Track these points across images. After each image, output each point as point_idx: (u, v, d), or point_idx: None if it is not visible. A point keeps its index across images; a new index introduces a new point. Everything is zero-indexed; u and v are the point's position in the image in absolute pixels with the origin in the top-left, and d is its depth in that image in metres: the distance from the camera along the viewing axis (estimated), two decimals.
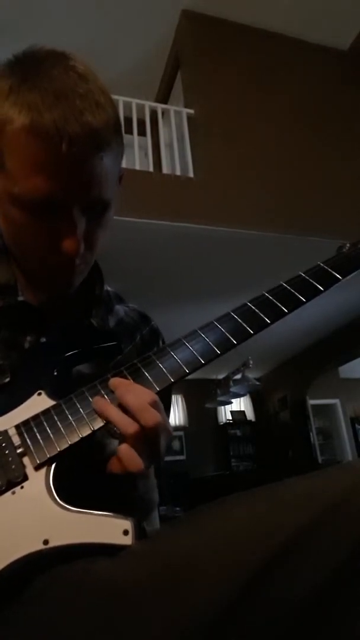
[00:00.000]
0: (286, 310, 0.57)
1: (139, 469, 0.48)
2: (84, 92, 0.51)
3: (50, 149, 0.50)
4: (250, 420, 8.04)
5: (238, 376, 5.99)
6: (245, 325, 0.55)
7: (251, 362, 5.56)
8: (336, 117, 4.48)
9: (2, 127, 0.51)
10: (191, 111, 4.02)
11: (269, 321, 0.56)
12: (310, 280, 0.59)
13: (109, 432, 0.52)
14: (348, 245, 0.66)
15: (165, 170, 3.90)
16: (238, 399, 7.22)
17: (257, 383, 6.36)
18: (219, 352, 0.54)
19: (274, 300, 0.57)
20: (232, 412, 7.88)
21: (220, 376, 6.68)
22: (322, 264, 0.62)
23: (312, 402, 7.14)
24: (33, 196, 0.52)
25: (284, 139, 4.14)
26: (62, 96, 0.50)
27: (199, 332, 0.56)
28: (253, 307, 0.57)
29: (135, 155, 3.61)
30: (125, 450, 0.48)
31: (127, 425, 0.48)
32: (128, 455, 0.48)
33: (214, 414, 7.79)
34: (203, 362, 0.53)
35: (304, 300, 0.58)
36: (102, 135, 0.52)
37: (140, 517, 0.68)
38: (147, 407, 0.49)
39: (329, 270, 0.61)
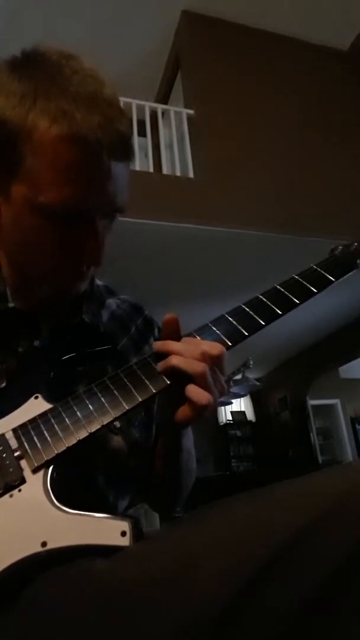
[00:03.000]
0: (280, 312, 0.57)
1: (210, 401, 0.49)
2: (108, 98, 0.52)
3: (89, 159, 0.50)
4: (250, 421, 8.05)
5: (238, 376, 5.98)
6: (239, 327, 0.56)
7: (251, 362, 5.55)
8: (336, 117, 4.49)
9: (28, 133, 0.50)
10: (191, 111, 4.03)
11: (263, 323, 0.56)
12: (304, 283, 0.60)
13: (109, 428, 0.52)
14: (340, 247, 0.67)
15: (165, 170, 3.90)
16: (238, 399, 7.22)
17: (257, 383, 6.35)
18: (230, 344, 0.54)
19: (268, 303, 0.58)
20: (232, 412, 7.89)
21: None
22: (315, 266, 0.62)
23: (312, 402, 7.14)
24: (62, 205, 0.51)
25: (284, 139, 4.15)
26: (93, 103, 0.50)
27: (195, 334, 0.56)
28: (247, 309, 0.57)
29: (136, 156, 3.59)
30: (193, 389, 0.50)
31: (194, 363, 0.50)
32: (196, 392, 0.49)
33: (214, 414, 7.79)
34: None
35: (297, 302, 0.58)
36: (130, 143, 0.54)
37: (185, 487, 0.71)
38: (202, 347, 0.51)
39: (322, 272, 0.61)
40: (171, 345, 0.52)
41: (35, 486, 0.47)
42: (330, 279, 0.61)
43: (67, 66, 0.52)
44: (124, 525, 0.44)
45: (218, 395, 0.52)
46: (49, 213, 0.52)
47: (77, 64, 0.53)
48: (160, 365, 0.52)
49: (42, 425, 0.51)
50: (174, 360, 0.51)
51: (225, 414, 7.86)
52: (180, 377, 0.51)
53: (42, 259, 0.57)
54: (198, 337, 0.55)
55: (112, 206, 0.56)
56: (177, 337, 0.54)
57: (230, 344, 0.54)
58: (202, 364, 0.50)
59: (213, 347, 0.52)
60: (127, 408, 0.51)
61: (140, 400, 0.51)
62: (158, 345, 0.54)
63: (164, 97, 5.08)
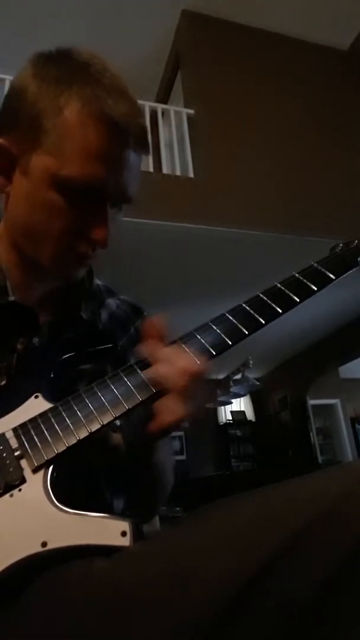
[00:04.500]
0: (280, 311, 0.57)
1: (184, 416, 0.50)
2: (132, 97, 0.56)
3: (117, 142, 0.54)
4: (250, 420, 8.04)
5: (238, 376, 5.98)
6: (240, 326, 0.56)
7: (251, 362, 5.55)
8: (336, 117, 4.49)
9: (58, 110, 0.53)
10: (191, 111, 4.03)
11: (263, 322, 0.56)
12: (304, 281, 0.60)
13: (109, 426, 0.52)
14: (341, 245, 0.66)
15: (165, 170, 3.90)
16: (238, 399, 7.21)
17: (257, 383, 6.35)
18: (214, 353, 0.54)
19: (268, 301, 0.58)
20: (232, 412, 7.88)
21: (220, 376, 6.67)
22: (315, 264, 0.62)
23: (312, 402, 7.14)
24: (84, 181, 0.53)
25: (284, 139, 4.15)
26: (123, 95, 0.55)
27: (195, 333, 0.56)
28: (247, 307, 0.57)
29: None
30: (167, 402, 0.50)
31: (174, 378, 0.50)
32: (171, 406, 0.50)
33: (214, 414, 7.79)
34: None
35: (297, 300, 0.58)
36: (149, 140, 0.58)
37: (155, 501, 0.70)
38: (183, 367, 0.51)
39: (323, 270, 0.61)
40: (155, 354, 0.52)
41: (36, 486, 0.47)
42: (331, 277, 0.60)
43: (99, 64, 0.56)
44: (125, 526, 0.44)
45: (194, 409, 0.51)
46: (67, 187, 0.54)
47: (107, 64, 0.57)
48: (145, 373, 0.52)
49: (42, 425, 0.51)
50: (154, 371, 0.51)
51: (225, 413, 7.86)
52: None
53: (48, 239, 0.57)
54: (184, 346, 0.54)
55: (124, 195, 0.58)
56: (164, 340, 0.54)
57: (214, 352, 0.54)
58: (182, 380, 0.50)
59: (193, 362, 0.51)
60: (127, 407, 0.51)
61: (140, 399, 0.51)
62: (144, 351, 0.54)
63: (164, 97, 5.08)
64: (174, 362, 0.51)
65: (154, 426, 0.51)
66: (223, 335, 0.55)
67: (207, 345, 0.54)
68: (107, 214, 0.57)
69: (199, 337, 0.55)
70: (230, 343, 0.55)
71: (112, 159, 0.54)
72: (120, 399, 0.51)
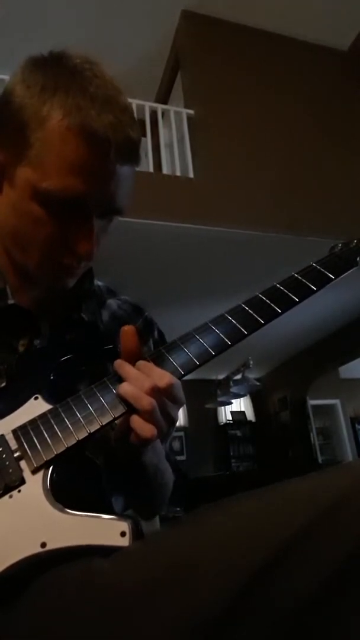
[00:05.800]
0: (279, 311, 0.57)
1: (153, 435, 0.49)
2: (123, 105, 0.54)
3: (96, 154, 0.52)
4: (250, 421, 8.05)
5: (238, 376, 5.99)
6: (239, 326, 0.56)
7: (251, 362, 5.56)
8: (336, 117, 4.49)
9: (41, 122, 0.52)
10: (191, 111, 4.03)
11: (262, 322, 0.56)
12: (303, 281, 0.59)
13: (110, 426, 0.52)
14: (340, 244, 0.66)
15: (165, 170, 3.91)
16: (238, 399, 7.22)
17: (257, 383, 6.36)
18: (213, 354, 0.54)
19: (267, 301, 0.58)
20: (232, 412, 7.89)
21: (220, 376, 6.68)
22: (314, 264, 0.62)
23: (312, 402, 7.14)
24: (63, 195, 0.52)
25: (284, 139, 4.15)
26: (109, 105, 0.52)
27: (194, 333, 0.56)
28: (247, 308, 0.57)
29: None
30: (137, 421, 0.50)
31: (142, 398, 0.49)
32: (140, 425, 0.49)
33: (214, 414, 7.79)
34: (198, 363, 0.53)
35: (297, 300, 0.58)
36: (138, 149, 0.56)
37: (154, 502, 0.70)
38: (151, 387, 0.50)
39: (322, 270, 0.61)
40: (125, 371, 0.52)
41: (35, 487, 0.47)
42: (330, 277, 0.60)
43: (89, 70, 0.54)
44: (124, 526, 0.44)
45: (165, 427, 0.51)
46: (48, 200, 0.53)
47: (99, 70, 0.56)
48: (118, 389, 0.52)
49: (41, 426, 0.51)
50: (123, 390, 0.51)
51: (225, 414, 7.86)
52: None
53: (36, 247, 0.57)
54: (167, 355, 0.54)
55: (111, 206, 0.57)
56: (136, 353, 0.54)
57: (182, 372, 0.53)
58: (149, 400, 0.49)
59: (161, 378, 0.50)
60: (125, 408, 0.51)
61: None
62: (115, 364, 0.53)
63: (164, 97, 5.08)
64: (144, 379, 0.50)
65: (132, 438, 0.51)
66: (222, 336, 0.55)
67: (191, 356, 0.54)
68: (92, 227, 0.56)
69: (197, 338, 0.55)
70: (229, 343, 0.55)
71: (93, 172, 0.53)
72: (119, 400, 0.51)
